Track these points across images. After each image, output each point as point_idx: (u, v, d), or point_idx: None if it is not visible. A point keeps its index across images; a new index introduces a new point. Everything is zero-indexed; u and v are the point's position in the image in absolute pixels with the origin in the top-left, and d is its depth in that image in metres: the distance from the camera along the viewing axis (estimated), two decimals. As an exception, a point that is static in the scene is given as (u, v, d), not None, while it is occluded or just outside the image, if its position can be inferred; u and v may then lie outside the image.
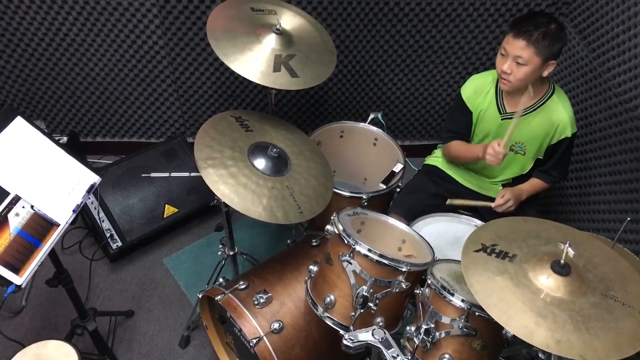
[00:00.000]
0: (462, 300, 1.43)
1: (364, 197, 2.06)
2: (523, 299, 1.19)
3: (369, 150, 2.43)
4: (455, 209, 2.11)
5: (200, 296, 1.97)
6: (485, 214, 2.04)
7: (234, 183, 1.73)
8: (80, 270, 2.46)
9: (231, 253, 2.19)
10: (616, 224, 2.12)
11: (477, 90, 2.02)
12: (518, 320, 1.16)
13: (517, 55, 1.77)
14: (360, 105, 2.92)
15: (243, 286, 1.85)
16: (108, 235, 2.43)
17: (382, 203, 2.19)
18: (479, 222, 1.99)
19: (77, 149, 2.88)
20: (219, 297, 1.82)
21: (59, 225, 1.59)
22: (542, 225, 1.41)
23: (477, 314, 1.40)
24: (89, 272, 2.45)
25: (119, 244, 2.45)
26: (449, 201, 2.12)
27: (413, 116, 2.97)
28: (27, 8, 2.42)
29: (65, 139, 2.74)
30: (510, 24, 1.82)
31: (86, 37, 2.53)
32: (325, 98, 2.85)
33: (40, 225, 1.56)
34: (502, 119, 2.00)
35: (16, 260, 1.47)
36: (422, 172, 2.32)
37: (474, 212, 2.11)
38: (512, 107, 1.97)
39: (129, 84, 2.72)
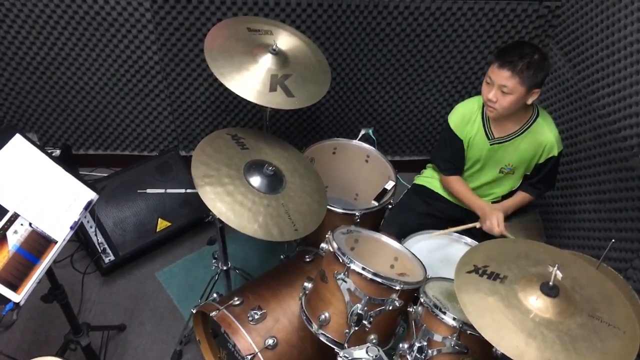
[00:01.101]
0: (454, 319, 1.47)
1: (357, 214, 2.10)
2: (514, 320, 1.24)
3: (361, 167, 2.48)
4: (445, 227, 2.16)
5: (194, 311, 1.99)
6: (475, 232, 2.09)
7: (231, 201, 1.76)
8: (71, 283, 2.46)
9: (224, 268, 2.21)
10: (600, 241, 2.18)
11: (464, 119, 2.09)
12: (509, 340, 1.20)
13: (502, 85, 1.83)
14: (351, 122, 2.97)
15: (237, 302, 1.87)
16: (101, 249, 2.43)
17: (374, 220, 2.23)
18: (469, 240, 2.04)
19: (70, 162, 2.89)
20: (213, 313, 1.84)
21: (57, 242, 1.61)
22: (531, 247, 1.46)
23: (468, 332, 1.45)
24: (80, 286, 2.46)
25: (112, 257, 2.45)
26: (436, 233, 2.08)
27: (403, 132, 3.03)
28: (22, 22, 2.43)
29: (58, 151, 2.76)
30: (495, 54, 1.88)
31: (81, 52, 2.55)
32: (318, 114, 2.90)
33: (38, 242, 1.57)
34: (490, 144, 2.06)
35: (14, 277, 1.48)
36: (412, 191, 2.37)
37: (466, 230, 2.16)
38: (500, 133, 2.04)
39: (123, 97, 2.74)
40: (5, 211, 1.52)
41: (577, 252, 1.99)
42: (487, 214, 2.02)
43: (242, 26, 2.07)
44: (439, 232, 2.06)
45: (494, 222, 1.97)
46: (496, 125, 2.04)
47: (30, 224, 1.56)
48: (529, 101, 1.89)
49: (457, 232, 2.05)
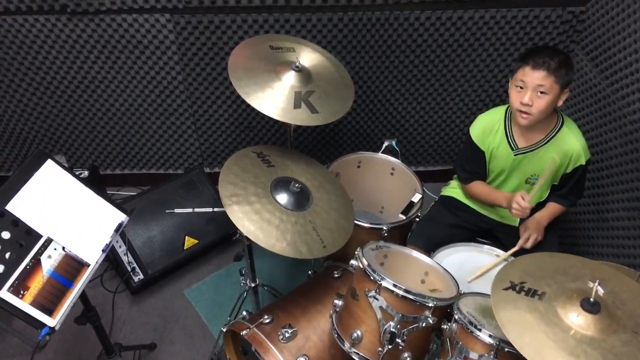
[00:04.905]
0: (490, 336, 1.44)
1: (384, 228, 2.08)
2: (555, 338, 1.20)
3: (386, 179, 2.46)
4: (475, 240, 2.13)
5: (224, 330, 1.99)
6: (509, 244, 2.05)
7: (258, 219, 1.76)
8: (102, 303, 2.49)
9: (253, 285, 2.21)
10: (636, 249, 2.12)
11: (486, 130, 2.06)
12: (551, 360, 1.17)
13: (539, 85, 1.81)
14: (374, 134, 2.95)
15: (267, 320, 1.87)
16: (130, 268, 2.46)
17: (402, 233, 2.21)
18: (500, 252, 2.01)
19: (97, 182, 2.93)
20: (244, 332, 1.84)
21: (90, 265, 1.63)
22: (569, 261, 1.42)
23: (506, 349, 1.41)
24: (111, 305, 2.48)
25: (141, 276, 2.47)
26: (469, 279, 1.98)
27: (427, 142, 3.00)
28: (49, 48, 2.49)
29: (86, 172, 2.80)
30: (523, 59, 1.85)
31: (107, 74, 2.59)
32: (340, 127, 2.89)
33: (71, 266, 1.59)
34: (515, 155, 2.02)
35: (49, 302, 1.51)
36: (440, 203, 2.34)
37: (496, 241, 2.12)
38: (524, 143, 2.00)
39: (148, 117, 2.78)
40: (39, 236, 1.54)
41: (613, 262, 1.95)
42: (510, 199, 1.95)
43: (265, 44, 2.08)
44: (493, 263, 1.99)
45: (520, 200, 1.88)
46: (520, 136, 2.01)
47: (63, 248, 1.58)
48: (560, 102, 1.87)
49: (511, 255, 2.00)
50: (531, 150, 2.00)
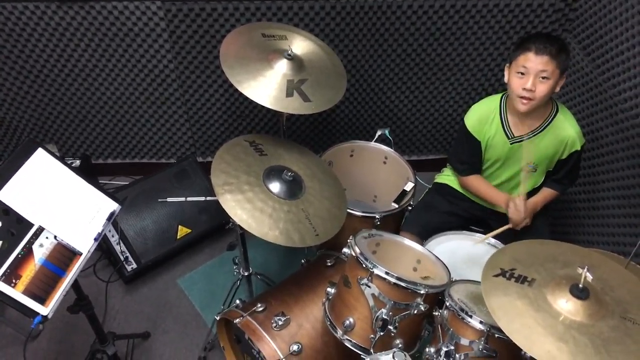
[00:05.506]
0: (481, 322, 1.46)
1: (377, 216, 2.09)
2: (544, 324, 1.22)
3: (379, 168, 2.47)
4: (468, 227, 2.14)
5: (218, 318, 2.00)
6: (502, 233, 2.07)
7: (251, 208, 1.76)
8: (95, 292, 2.48)
9: (246, 274, 2.22)
10: (626, 237, 2.15)
11: (482, 119, 2.06)
12: (540, 345, 1.18)
13: (542, 70, 1.81)
14: (367, 123, 2.95)
15: (261, 308, 1.88)
16: (123, 257, 2.46)
17: (394, 222, 2.22)
18: (492, 240, 2.02)
19: (89, 172, 2.92)
20: (237, 320, 1.85)
21: (82, 254, 1.63)
22: (559, 248, 1.44)
23: (496, 335, 1.43)
24: (104, 295, 2.48)
25: (134, 266, 2.47)
26: (476, 242, 2.05)
27: (420, 132, 3.00)
28: (39, 36, 2.46)
29: (77, 162, 2.79)
30: (524, 46, 1.85)
31: (98, 63, 2.57)
32: (333, 116, 2.89)
33: (63, 255, 1.59)
34: (511, 144, 2.03)
35: (42, 290, 1.50)
36: (434, 190, 2.35)
37: (489, 229, 2.14)
38: (519, 131, 2.01)
39: (140, 106, 2.77)
40: (31, 225, 1.54)
41: (604, 250, 1.97)
42: (508, 202, 2.02)
43: (257, 32, 2.07)
44: (478, 240, 2.03)
45: (517, 201, 1.98)
46: (516, 124, 2.02)
47: (55, 237, 1.57)
48: (558, 88, 1.88)
49: (493, 236, 2.01)
50: (527, 139, 2.01)
